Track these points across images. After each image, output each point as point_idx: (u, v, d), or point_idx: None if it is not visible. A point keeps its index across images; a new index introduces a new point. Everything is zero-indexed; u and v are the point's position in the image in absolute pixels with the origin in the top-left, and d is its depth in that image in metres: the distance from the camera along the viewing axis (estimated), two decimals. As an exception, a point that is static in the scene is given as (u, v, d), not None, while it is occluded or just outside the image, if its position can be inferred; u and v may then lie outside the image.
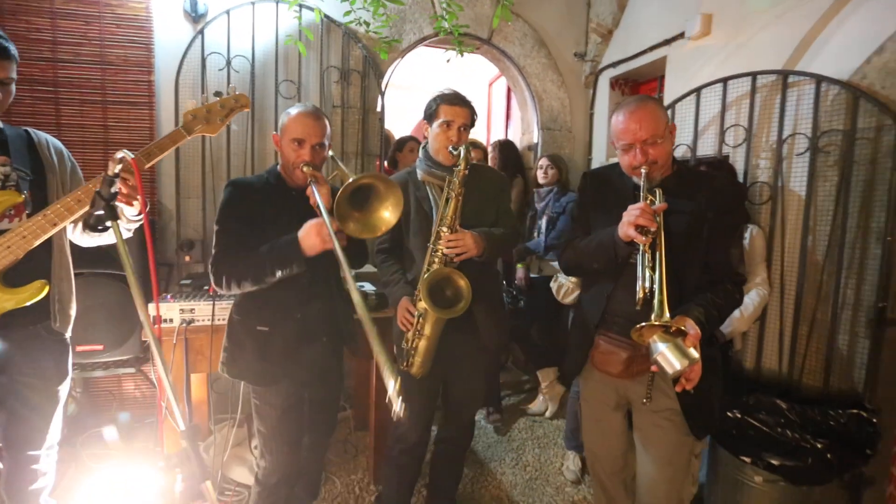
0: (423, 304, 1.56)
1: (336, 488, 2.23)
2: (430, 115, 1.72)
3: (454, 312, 1.55)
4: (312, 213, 1.47)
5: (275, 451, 1.60)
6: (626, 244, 1.32)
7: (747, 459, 1.77)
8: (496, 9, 3.09)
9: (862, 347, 1.92)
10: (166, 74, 2.50)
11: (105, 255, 2.01)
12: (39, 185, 1.41)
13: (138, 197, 1.28)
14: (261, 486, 1.64)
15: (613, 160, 3.20)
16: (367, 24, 2.37)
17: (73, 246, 1.54)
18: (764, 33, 2.22)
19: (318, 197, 1.35)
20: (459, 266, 1.60)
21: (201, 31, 2.50)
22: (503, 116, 4.25)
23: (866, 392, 1.90)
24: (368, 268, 2.16)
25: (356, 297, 1.06)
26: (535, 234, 2.95)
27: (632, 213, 1.27)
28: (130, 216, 1.42)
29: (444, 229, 1.59)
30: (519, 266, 2.95)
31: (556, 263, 2.74)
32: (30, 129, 1.45)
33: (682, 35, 2.62)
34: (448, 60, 2.54)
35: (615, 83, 3.29)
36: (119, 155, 0.99)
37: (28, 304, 1.29)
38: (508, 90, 4.02)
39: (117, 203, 1.05)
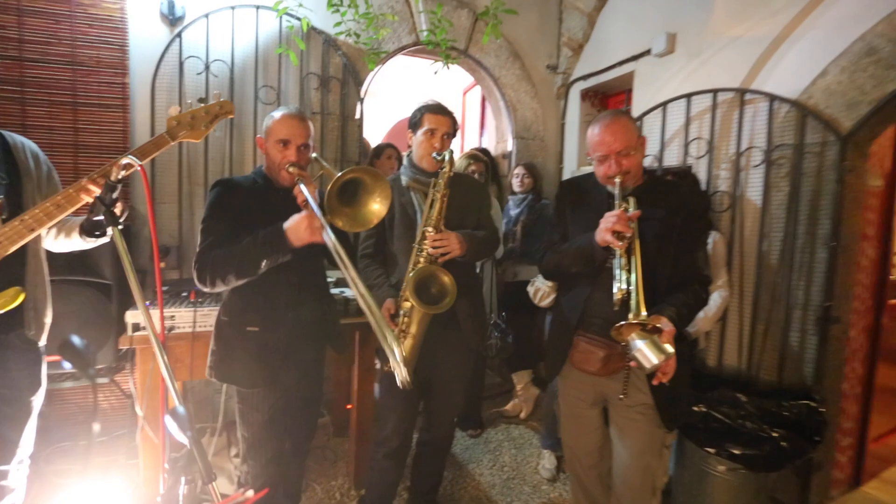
0: (409, 303, 1.60)
1: (317, 494, 2.23)
2: (414, 124, 1.78)
3: (440, 308, 1.59)
4: (299, 211, 1.49)
5: (258, 457, 1.59)
6: (603, 249, 1.41)
7: (711, 450, 1.89)
8: (474, 22, 3.20)
9: (811, 344, 2.10)
10: (142, 77, 2.45)
11: (77, 262, 1.95)
12: (15, 190, 1.37)
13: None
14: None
15: (584, 168, 3.36)
16: (358, 36, 2.41)
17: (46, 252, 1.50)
18: (723, 53, 2.40)
19: (307, 195, 1.37)
20: (444, 265, 1.66)
21: (179, 34, 2.47)
22: (477, 125, 4.35)
23: (814, 384, 2.07)
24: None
25: (353, 275, 1.13)
26: (510, 241, 3.04)
27: (609, 220, 1.36)
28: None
29: (430, 230, 1.64)
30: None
31: (531, 267, 2.84)
32: (4, 132, 1.41)
33: (648, 52, 2.79)
34: (435, 72, 2.61)
35: (585, 95, 3.45)
36: (124, 161, 0.99)
37: (1, 311, 1.25)
38: (482, 99, 4.12)
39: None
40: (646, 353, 1.21)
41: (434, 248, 1.63)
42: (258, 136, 1.59)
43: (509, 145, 3.53)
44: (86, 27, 2.34)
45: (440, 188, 1.65)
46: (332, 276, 2.11)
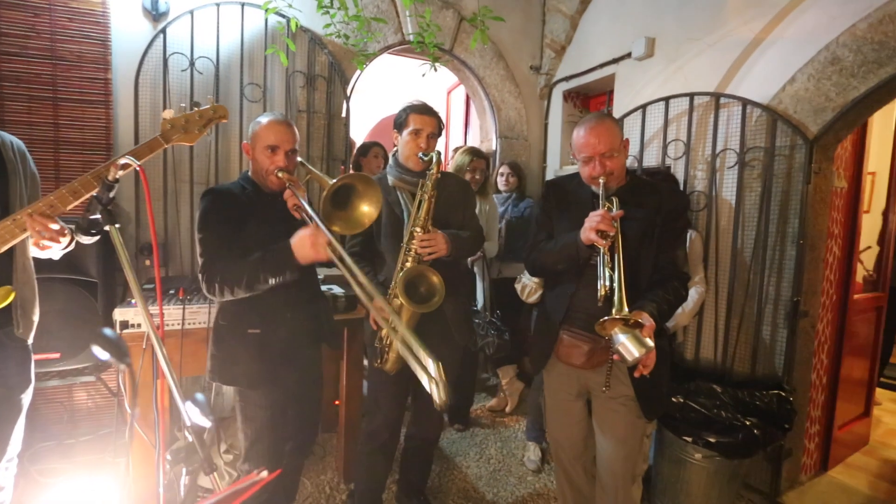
0: (398, 301, 1.64)
1: (307, 489, 2.25)
2: (399, 125, 1.80)
3: (429, 307, 1.63)
4: (287, 216, 1.53)
5: (258, 455, 1.61)
6: (588, 247, 1.47)
7: (689, 439, 1.98)
8: (459, 22, 3.24)
9: (781, 337, 2.21)
10: (124, 72, 2.41)
11: (63, 260, 1.92)
12: (3, 188, 1.36)
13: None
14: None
15: (567, 168, 3.44)
16: (347, 37, 2.42)
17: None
18: (700, 59, 2.49)
19: (300, 199, 1.41)
20: (431, 264, 1.70)
21: (163, 30, 2.44)
22: (462, 124, 4.39)
23: (785, 375, 2.18)
24: (336, 270, 2.21)
25: (362, 279, 1.24)
26: (497, 240, 3.09)
27: (593, 219, 1.42)
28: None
29: (418, 229, 1.68)
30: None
31: (516, 264, 2.90)
32: None
33: (629, 55, 2.87)
34: (424, 75, 2.64)
35: (568, 96, 3.52)
36: (122, 161, 1.00)
37: None
38: (467, 98, 4.16)
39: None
40: (628, 346, 1.27)
41: (422, 247, 1.66)
42: (244, 142, 1.60)
43: (493, 144, 3.58)
44: (66, 21, 2.30)
45: (427, 189, 1.68)
46: (319, 272, 2.13)
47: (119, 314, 1.82)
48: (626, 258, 1.41)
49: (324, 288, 2.26)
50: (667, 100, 2.57)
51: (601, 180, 1.49)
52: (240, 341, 1.54)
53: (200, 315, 1.94)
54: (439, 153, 1.74)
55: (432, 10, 3.07)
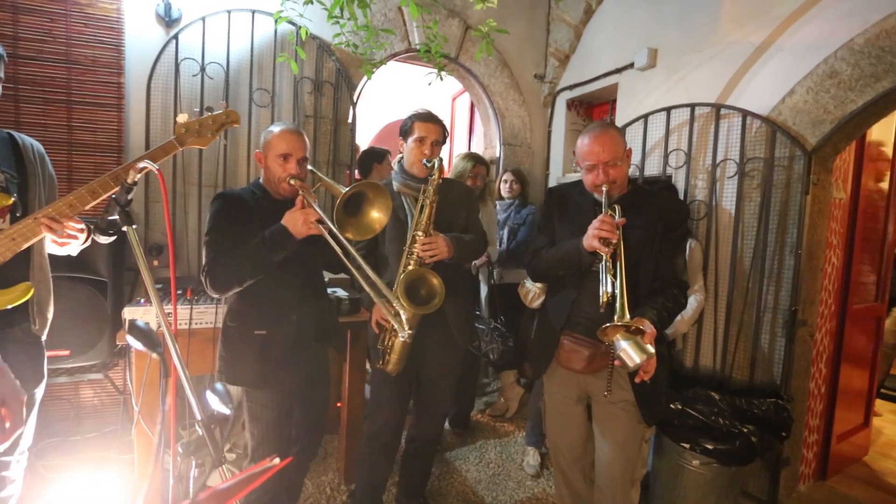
0: (400, 302, 1.67)
1: (308, 490, 2.27)
2: (405, 132, 1.85)
3: (429, 309, 1.67)
4: None
5: (265, 454, 1.63)
6: (590, 254, 1.50)
7: (686, 446, 2.00)
8: (465, 31, 3.29)
9: (779, 345, 2.23)
10: (137, 77, 2.47)
11: (74, 259, 1.96)
12: (23, 189, 1.41)
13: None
14: (245, 487, 1.67)
15: (570, 175, 3.47)
16: (356, 47, 2.47)
17: None
18: (701, 70, 2.54)
19: (314, 205, 1.48)
20: (433, 267, 1.73)
21: (175, 36, 2.50)
22: (466, 130, 4.44)
23: (783, 384, 2.20)
24: (340, 274, 2.25)
25: (363, 266, 1.36)
26: (497, 244, 3.13)
27: (596, 227, 1.45)
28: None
29: (420, 233, 1.72)
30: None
31: (519, 270, 2.93)
32: (13, 132, 1.44)
33: (631, 65, 2.92)
34: (430, 84, 2.69)
35: (571, 104, 3.57)
36: (140, 164, 1.04)
37: (12, 306, 1.29)
38: (471, 105, 4.21)
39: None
40: (629, 352, 1.30)
41: (423, 250, 1.70)
42: (256, 150, 1.65)
43: (497, 151, 3.62)
44: (81, 26, 2.35)
45: (429, 195, 1.72)
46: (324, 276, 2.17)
47: (128, 313, 1.86)
48: (627, 265, 1.44)
49: (329, 290, 2.29)
50: (668, 110, 2.61)
51: (604, 188, 1.52)
52: (246, 342, 1.58)
53: (207, 315, 1.98)
54: (442, 160, 1.78)
55: (439, 18, 3.13)
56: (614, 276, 1.41)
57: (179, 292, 2.10)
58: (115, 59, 2.42)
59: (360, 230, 1.51)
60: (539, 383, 2.43)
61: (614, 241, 1.43)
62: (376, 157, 3.09)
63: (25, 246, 1.28)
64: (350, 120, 2.99)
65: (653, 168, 2.75)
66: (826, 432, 2.54)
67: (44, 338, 1.51)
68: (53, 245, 1.48)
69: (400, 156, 1.92)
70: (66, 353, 2.01)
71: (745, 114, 2.28)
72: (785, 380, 2.20)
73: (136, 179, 1.06)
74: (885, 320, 3.07)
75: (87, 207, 1.31)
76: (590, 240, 1.46)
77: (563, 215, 1.71)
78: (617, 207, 1.53)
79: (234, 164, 2.70)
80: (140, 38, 2.48)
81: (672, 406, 2.10)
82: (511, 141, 3.61)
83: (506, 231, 3.09)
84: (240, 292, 1.55)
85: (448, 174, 2.78)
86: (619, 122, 2.97)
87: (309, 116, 2.85)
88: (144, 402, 1.87)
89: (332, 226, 1.43)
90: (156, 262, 2.43)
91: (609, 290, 1.39)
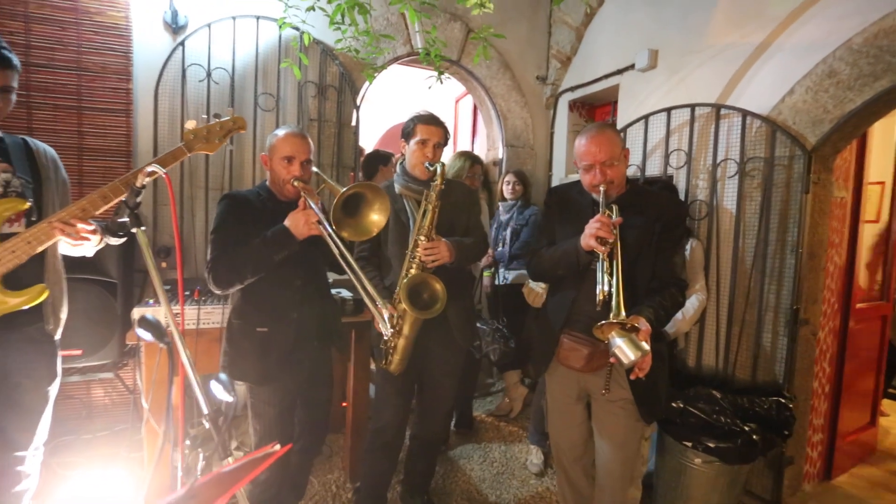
0: (402, 306, 1.70)
1: (314, 487, 2.31)
2: (407, 134, 1.87)
3: (431, 313, 1.69)
4: None
5: None
6: (588, 253, 1.52)
7: (688, 444, 2.01)
8: (466, 34, 3.32)
9: (781, 345, 2.23)
10: (145, 83, 2.53)
11: (85, 261, 2.02)
12: (38, 193, 1.46)
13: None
14: (251, 483, 1.71)
15: (573, 176, 3.49)
16: (357, 51, 2.52)
17: None
18: (701, 70, 2.55)
19: (312, 206, 1.51)
20: (435, 270, 1.76)
21: (182, 43, 2.55)
22: (469, 132, 4.47)
23: (785, 383, 2.20)
24: (344, 275, 2.28)
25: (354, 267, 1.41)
26: (500, 245, 3.15)
27: (593, 226, 1.47)
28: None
29: (422, 238, 1.74)
30: (485, 274, 3.14)
31: (522, 272, 2.95)
32: (27, 138, 1.49)
33: (632, 66, 2.93)
34: (430, 87, 2.72)
35: (573, 105, 3.59)
36: (149, 168, 1.08)
37: (28, 306, 1.34)
38: (474, 107, 4.24)
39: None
40: (624, 349, 1.32)
41: (425, 255, 1.73)
42: (262, 153, 1.70)
43: (500, 153, 3.65)
44: (91, 34, 2.41)
45: (432, 200, 1.75)
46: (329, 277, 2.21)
47: (137, 313, 1.91)
48: (625, 264, 1.45)
49: (333, 291, 2.33)
50: (669, 110, 2.62)
51: (601, 188, 1.54)
52: (249, 339, 1.62)
53: (214, 315, 2.02)
54: (444, 164, 1.80)
55: (440, 21, 3.16)
56: (611, 274, 1.43)
57: (187, 293, 2.14)
58: (124, 65, 2.48)
59: (357, 231, 1.54)
60: (542, 382, 2.45)
61: (611, 240, 1.45)
62: (382, 159, 3.12)
63: (40, 249, 1.32)
64: (354, 123, 3.03)
65: (654, 168, 2.76)
66: (831, 432, 2.53)
67: (57, 337, 1.56)
68: (68, 246, 1.53)
69: (402, 158, 1.94)
70: (79, 352, 2.06)
71: (745, 114, 2.29)
72: (787, 379, 2.20)
73: (144, 183, 1.10)
74: None
75: (100, 212, 1.36)
76: (587, 239, 1.48)
77: (563, 215, 1.73)
78: (614, 207, 1.55)
79: (240, 167, 2.75)
80: (148, 45, 2.54)
81: (674, 405, 2.10)
82: (514, 142, 3.63)
83: (508, 232, 3.11)
84: (243, 290, 1.59)
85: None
86: (620, 123, 2.98)
87: (313, 120, 2.90)
88: (154, 401, 1.91)
89: (329, 227, 1.47)
90: (164, 264, 2.48)
91: (606, 288, 1.41)
